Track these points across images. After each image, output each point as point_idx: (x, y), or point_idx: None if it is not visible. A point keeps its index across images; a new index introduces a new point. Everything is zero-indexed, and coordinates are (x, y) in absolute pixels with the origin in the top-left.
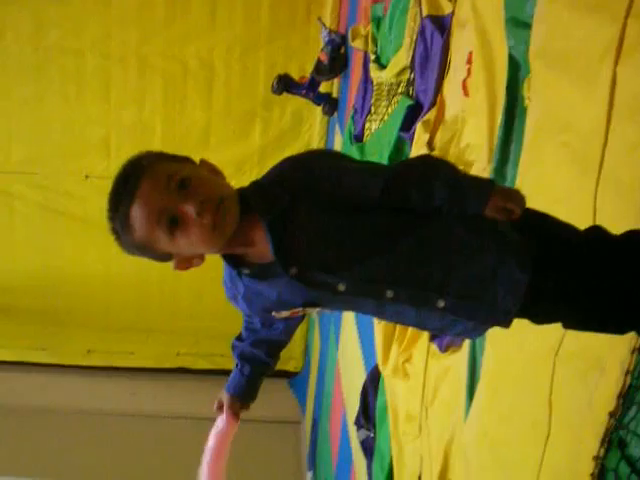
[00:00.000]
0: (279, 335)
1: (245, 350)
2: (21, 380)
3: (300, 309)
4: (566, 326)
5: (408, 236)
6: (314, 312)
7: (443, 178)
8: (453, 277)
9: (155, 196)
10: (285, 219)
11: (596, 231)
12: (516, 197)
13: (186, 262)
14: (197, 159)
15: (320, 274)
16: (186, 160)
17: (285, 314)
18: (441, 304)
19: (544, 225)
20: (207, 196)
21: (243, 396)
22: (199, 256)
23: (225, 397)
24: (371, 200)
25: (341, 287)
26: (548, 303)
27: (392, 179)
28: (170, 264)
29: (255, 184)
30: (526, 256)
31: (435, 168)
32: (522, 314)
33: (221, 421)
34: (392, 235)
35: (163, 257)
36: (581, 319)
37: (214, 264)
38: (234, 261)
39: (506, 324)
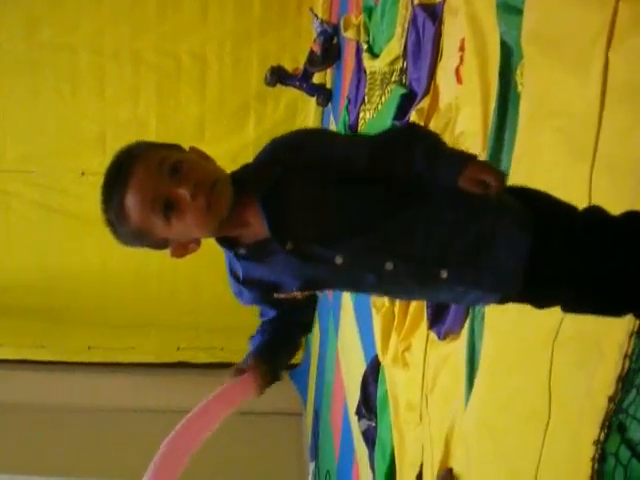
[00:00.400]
0: (297, 316)
1: (263, 328)
2: (22, 378)
3: (299, 293)
4: (565, 309)
5: (403, 207)
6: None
7: (424, 145)
8: (452, 246)
9: (148, 183)
10: (278, 194)
11: (595, 211)
12: (494, 170)
13: (182, 248)
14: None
15: (316, 247)
16: (176, 147)
17: (295, 294)
18: (444, 275)
19: (543, 202)
20: (200, 179)
21: (268, 360)
22: (195, 241)
23: (250, 357)
24: (359, 170)
25: (338, 260)
26: (547, 283)
27: (377, 147)
28: (167, 253)
29: (247, 165)
30: (525, 217)
31: (418, 136)
32: (522, 297)
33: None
34: (386, 207)
35: (159, 244)
36: (580, 301)
37: (213, 258)
38: (229, 243)
39: (512, 290)
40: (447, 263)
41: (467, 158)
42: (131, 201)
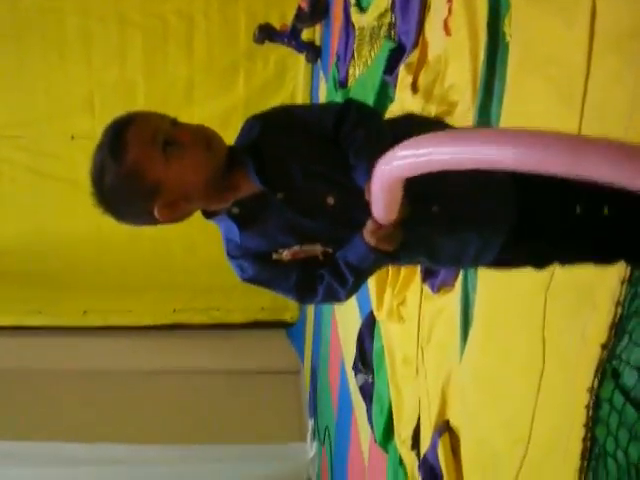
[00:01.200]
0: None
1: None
2: (18, 344)
3: (299, 247)
4: (563, 262)
5: None
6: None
7: (359, 145)
8: (442, 187)
9: (153, 119)
10: (262, 151)
11: None
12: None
13: (171, 206)
14: (183, 114)
15: (306, 192)
16: None
17: (295, 249)
18: (435, 208)
19: None
20: (198, 131)
21: None
22: (184, 197)
23: None
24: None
25: (330, 200)
26: (541, 236)
27: (340, 127)
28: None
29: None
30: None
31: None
32: (520, 259)
33: None
34: None
35: (150, 192)
36: (574, 251)
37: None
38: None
39: (506, 221)
40: (438, 200)
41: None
42: (134, 132)
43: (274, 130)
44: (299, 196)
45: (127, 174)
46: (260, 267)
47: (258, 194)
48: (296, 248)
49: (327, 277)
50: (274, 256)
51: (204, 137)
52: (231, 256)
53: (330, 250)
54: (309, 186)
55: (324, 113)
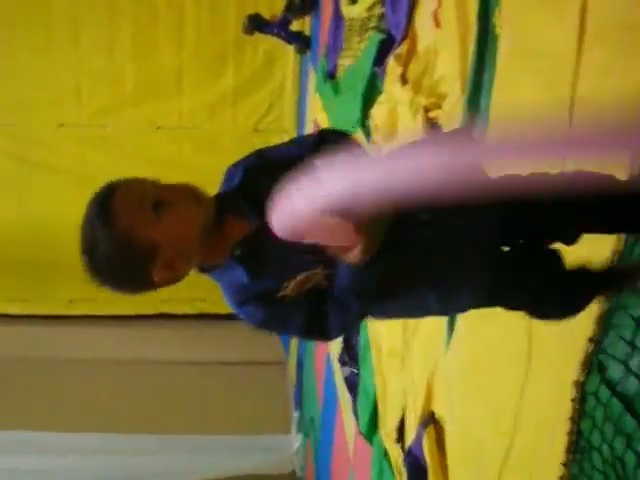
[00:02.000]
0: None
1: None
2: (3, 333)
3: (303, 275)
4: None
5: None
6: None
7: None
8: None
9: (134, 184)
10: (250, 190)
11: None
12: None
13: (169, 266)
14: (171, 103)
15: None
16: None
17: (299, 279)
18: (424, 216)
19: None
20: (183, 187)
21: None
22: (181, 254)
23: None
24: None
25: None
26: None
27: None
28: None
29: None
30: None
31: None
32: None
33: None
34: None
35: (146, 255)
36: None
37: None
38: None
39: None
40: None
41: None
42: (118, 201)
43: (255, 170)
44: None
45: (122, 242)
46: (268, 310)
47: (253, 233)
48: (300, 277)
49: (331, 314)
50: (280, 293)
51: (191, 191)
52: (238, 304)
53: (332, 272)
54: None
55: (301, 144)
